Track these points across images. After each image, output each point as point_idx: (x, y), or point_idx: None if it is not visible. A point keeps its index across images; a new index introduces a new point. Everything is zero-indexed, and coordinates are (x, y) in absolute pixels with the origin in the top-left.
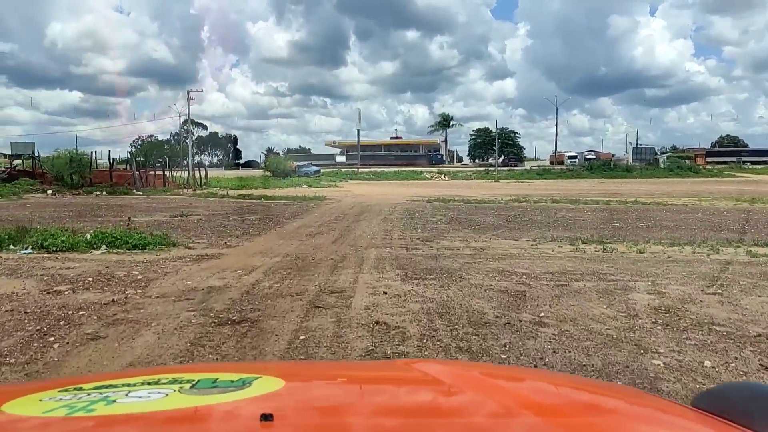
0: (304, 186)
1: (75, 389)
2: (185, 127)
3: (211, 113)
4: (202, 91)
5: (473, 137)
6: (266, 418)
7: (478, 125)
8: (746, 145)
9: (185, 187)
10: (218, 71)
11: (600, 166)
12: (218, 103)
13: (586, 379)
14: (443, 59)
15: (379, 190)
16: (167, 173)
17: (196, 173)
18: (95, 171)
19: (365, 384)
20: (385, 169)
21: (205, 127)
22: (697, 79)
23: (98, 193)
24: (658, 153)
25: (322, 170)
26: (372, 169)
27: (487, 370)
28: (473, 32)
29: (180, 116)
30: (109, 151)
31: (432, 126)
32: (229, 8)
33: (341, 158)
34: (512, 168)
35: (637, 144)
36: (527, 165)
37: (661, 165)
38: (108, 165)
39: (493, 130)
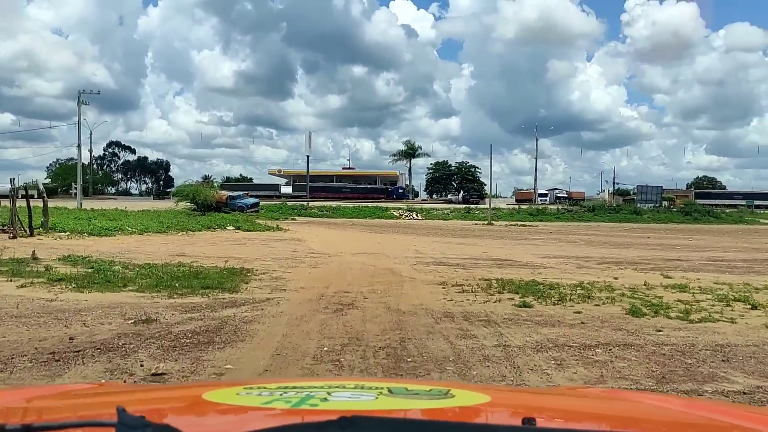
0: (229, 228)
1: (259, 387)
2: (110, 150)
3: (152, 140)
4: (98, 93)
5: (431, 171)
6: (529, 422)
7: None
8: (724, 187)
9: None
10: (161, 98)
11: (600, 206)
12: (160, 130)
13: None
14: (389, 95)
15: (352, 245)
16: None
17: (36, 206)
18: None
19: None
20: (342, 204)
21: (133, 151)
22: (630, 125)
23: None
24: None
25: (261, 203)
26: (324, 204)
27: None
28: (419, 71)
29: (90, 135)
30: None
31: (394, 155)
32: (173, 35)
33: (287, 189)
34: (495, 207)
35: (611, 182)
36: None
37: (639, 206)
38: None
39: (452, 165)
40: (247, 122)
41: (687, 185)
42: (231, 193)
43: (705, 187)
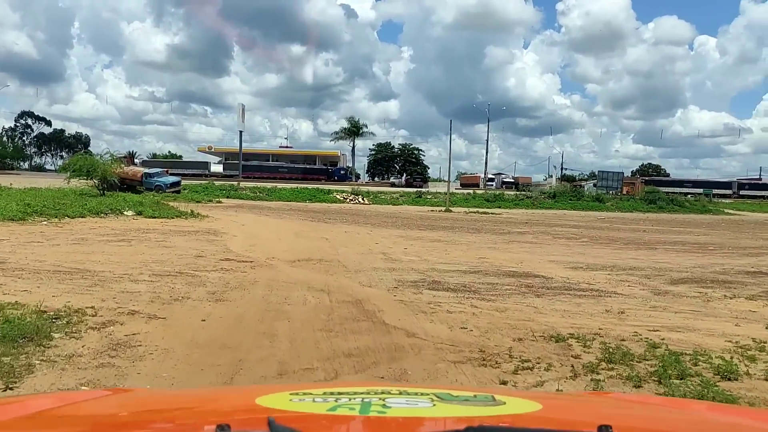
0: (127, 214)
1: (305, 393)
2: (22, 121)
3: (79, 114)
4: None
5: (373, 152)
6: (606, 429)
7: (361, 144)
8: (668, 174)
9: None
10: (88, 71)
11: (562, 193)
12: (87, 104)
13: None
14: (328, 76)
15: (290, 243)
16: None
17: None
18: None
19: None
20: (278, 185)
21: (48, 123)
22: (563, 113)
23: None
24: (586, 180)
25: (187, 182)
26: (258, 184)
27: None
28: (358, 52)
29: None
30: None
31: (337, 133)
32: (101, 5)
33: (217, 168)
34: (427, 190)
35: (561, 168)
36: (431, 186)
37: (587, 192)
38: None
39: (395, 146)
40: (181, 99)
41: (632, 172)
42: (147, 170)
43: (650, 174)
